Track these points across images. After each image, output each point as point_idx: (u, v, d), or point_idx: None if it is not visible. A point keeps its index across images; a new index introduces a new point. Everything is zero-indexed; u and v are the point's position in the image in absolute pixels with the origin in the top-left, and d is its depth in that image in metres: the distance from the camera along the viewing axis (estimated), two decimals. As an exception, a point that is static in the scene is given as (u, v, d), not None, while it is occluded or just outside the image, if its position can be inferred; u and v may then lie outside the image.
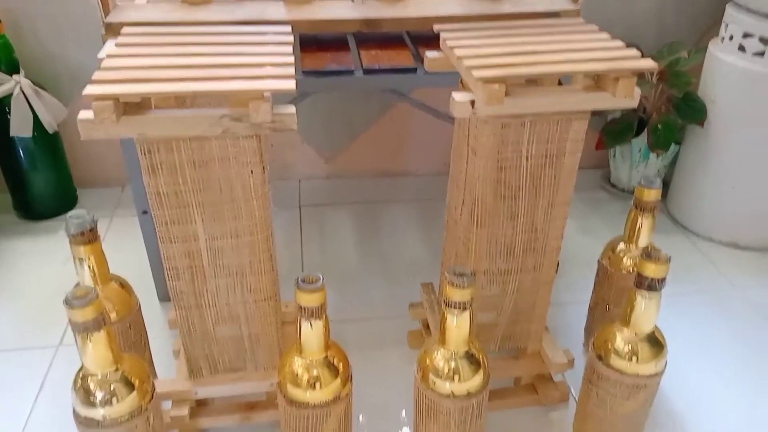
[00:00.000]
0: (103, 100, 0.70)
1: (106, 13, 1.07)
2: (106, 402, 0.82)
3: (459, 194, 0.97)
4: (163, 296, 1.33)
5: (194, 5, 1.12)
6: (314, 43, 1.20)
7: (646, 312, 0.89)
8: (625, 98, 0.80)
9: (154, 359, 1.12)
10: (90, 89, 0.70)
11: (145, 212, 1.23)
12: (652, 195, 1.03)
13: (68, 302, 0.76)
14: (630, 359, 0.90)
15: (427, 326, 1.19)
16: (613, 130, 1.59)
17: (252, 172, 0.82)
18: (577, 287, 1.38)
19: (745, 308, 1.35)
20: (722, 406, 1.12)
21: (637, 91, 0.82)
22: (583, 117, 0.86)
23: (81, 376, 0.83)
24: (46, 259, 1.49)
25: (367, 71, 1.12)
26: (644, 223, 1.07)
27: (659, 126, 1.52)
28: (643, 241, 1.08)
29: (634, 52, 0.83)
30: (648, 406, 0.95)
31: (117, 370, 0.83)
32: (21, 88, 1.45)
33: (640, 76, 1.51)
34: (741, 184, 1.49)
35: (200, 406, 1.03)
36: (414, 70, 1.13)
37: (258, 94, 0.72)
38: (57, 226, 1.61)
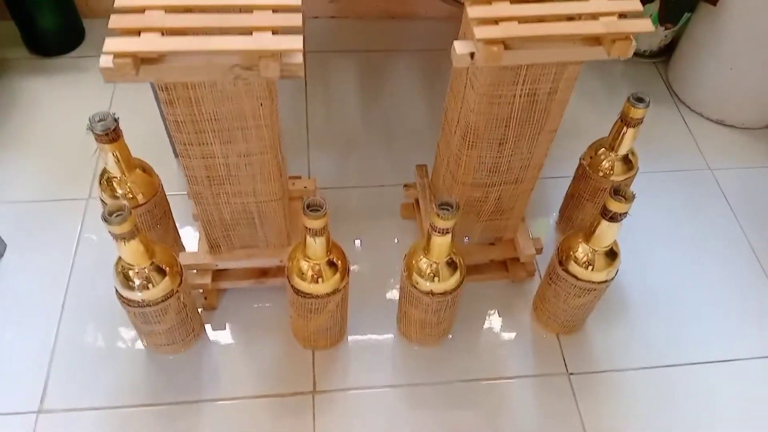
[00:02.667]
0: (123, 57, 0.74)
1: None
2: (143, 287, 0.99)
3: (456, 110, 1.03)
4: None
5: None
6: None
7: (607, 235, 1.01)
8: (620, 57, 0.84)
9: (176, 220, 1.27)
10: (109, 45, 0.74)
11: (157, 82, 1.28)
12: (638, 113, 1.09)
13: (106, 219, 0.89)
14: (586, 267, 1.05)
15: (418, 203, 1.32)
16: (626, -3, 1.54)
17: (261, 104, 0.88)
18: (566, 159, 1.39)
19: (714, 191, 1.47)
20: (670, 284, 1.30)
21: (633, 45, 0.85)
22: (578, 63, 0.89)
23: (120, 265, 0.99)
24: (64, 104, 1.56)
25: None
26: (627, 133, 1.14)
27: (673, -1, 1.49)
28: (623, 150, 1.17)
29: (635, 5, 0.84)
30: (596, 301, 1.13)
31: (151, 263, 0.98)
32: (15, -76, 1.39)
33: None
34: (740, 67, 1.50)
35: (220, 271, 1.20)
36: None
37: (267, 53, 0.76)
38: (70, 64, 1.65)
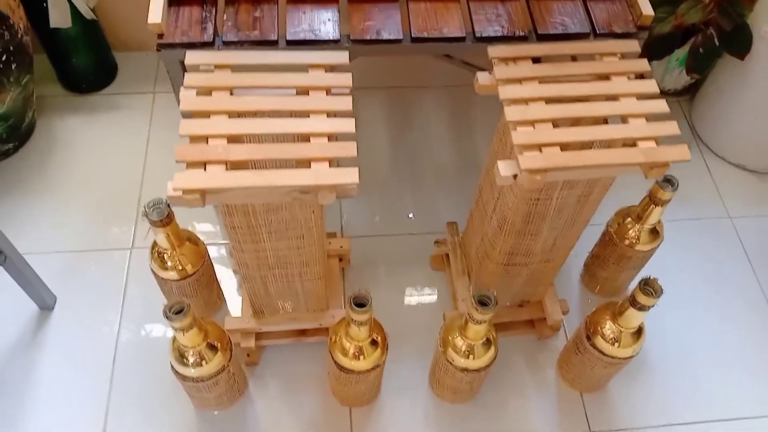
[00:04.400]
0: (192, 192, 0.79)
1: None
2: (197, 364, 1.06)
3: (492, 198, 1.08)
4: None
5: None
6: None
7: (635, 319, 1.07)
8: (654, 179, 0.88)
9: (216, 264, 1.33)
10: (178, 181, 0.79)
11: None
12: (666, 195, 1.13)
13: (167, 316, 0.95)
14: (612, 344, 1.11)
15: (448, 257, 1.38)
16: (657, 46, 1.55)
17: (313, 212, 0.93)
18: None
19: (733, 241, 1.52)
20: (687, 340, 1.37)
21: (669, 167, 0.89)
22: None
23: (176, 345, 1.05)
24: (101, 144, 1.60)
25: (416, 39, 1.13)
26: (654, 211, 1.18)
27: (701, 50, 1.50)
28: (650, 223, 1.21)
29: (673, 128, 0.88)
30: (621, 369, 1.19)
31: (205, 343, 1.05)
32: (54, -23, 1.41)
33: (695, -2, 1.45)
34: (764, 118, 1.53)
35: (262, 332, 1.27)
36: (463, 39, 1.13)
37: (326, 187, 0.81)
38: (104, 101, 1.69)
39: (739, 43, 1.46)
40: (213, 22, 1.07)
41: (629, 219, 1.24)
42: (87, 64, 1.64)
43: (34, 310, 1.33)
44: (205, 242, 1.23)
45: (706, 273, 1.47)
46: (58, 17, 1.45)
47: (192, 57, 0.90)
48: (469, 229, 1.27)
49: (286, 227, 0.96)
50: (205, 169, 0.81)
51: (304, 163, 0.83)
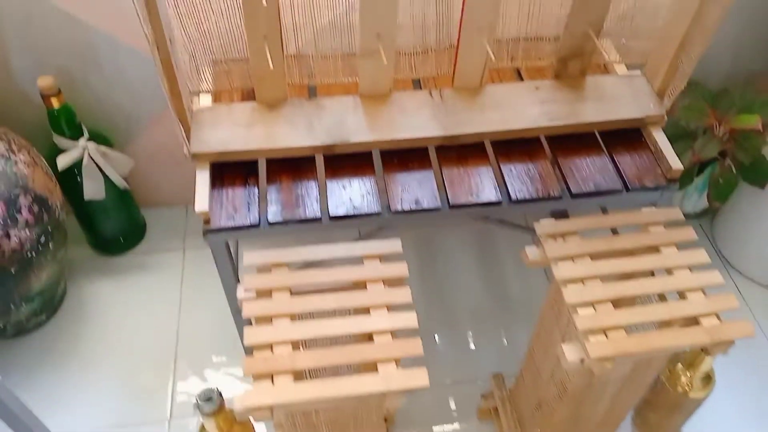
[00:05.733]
0: (261, 410, 0.78)
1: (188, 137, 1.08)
2: None
3: (548, 365, 1.07)
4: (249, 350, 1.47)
5: (271, 108, 1.12)
6: (395, 156, 1.20)
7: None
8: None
9: None
10: (250, 400, 0.78)
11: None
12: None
13: None
14: None
15: (497, 411, 1.34)
16: (672, 176, 1.60)
17: (374, 405, 0.91)
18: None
19: (776, 370, 1.50)
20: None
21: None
22: (674, 341, 0.93)
23: None
24: (132, 309, 1.59)
25: (454, 206, 1.15)
26: (707, 360, 1.17)
27: (721, 180, 1.54)
28: (702, 371, 1.19)
29: (732, 302, 0.88)
30: None
31: None
32: (89, 154, 1.45)
33: (707, 132, 1.50)
34: (791, 242, 1.55)
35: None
36: (499, 203, 1.15)
37: (395, 392, 0.80)
38: (135, 262, 1.69)
39: (759, 173, 1.50)
40: (257, 203, 1.10)
41: (680, 365, 1.22)
42: (117, 228, 1.66)
43: (71, 499, 1.28)
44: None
45: (756, 405, 1.43)
46: (93, 190, 1.49)
47: (250, 257, 0.91)
48: (519, 386, 1.25)
49: (345, 420, 0.94)
50: (272, 382, 0.80)
51: (371, 366, 0.82)
